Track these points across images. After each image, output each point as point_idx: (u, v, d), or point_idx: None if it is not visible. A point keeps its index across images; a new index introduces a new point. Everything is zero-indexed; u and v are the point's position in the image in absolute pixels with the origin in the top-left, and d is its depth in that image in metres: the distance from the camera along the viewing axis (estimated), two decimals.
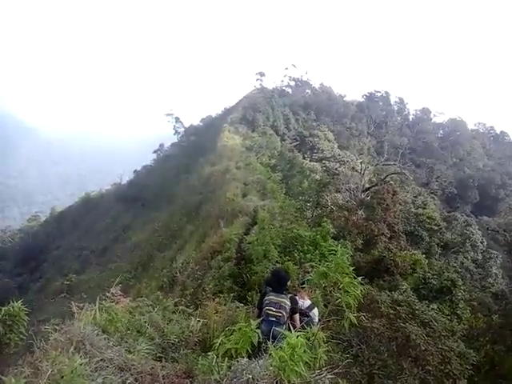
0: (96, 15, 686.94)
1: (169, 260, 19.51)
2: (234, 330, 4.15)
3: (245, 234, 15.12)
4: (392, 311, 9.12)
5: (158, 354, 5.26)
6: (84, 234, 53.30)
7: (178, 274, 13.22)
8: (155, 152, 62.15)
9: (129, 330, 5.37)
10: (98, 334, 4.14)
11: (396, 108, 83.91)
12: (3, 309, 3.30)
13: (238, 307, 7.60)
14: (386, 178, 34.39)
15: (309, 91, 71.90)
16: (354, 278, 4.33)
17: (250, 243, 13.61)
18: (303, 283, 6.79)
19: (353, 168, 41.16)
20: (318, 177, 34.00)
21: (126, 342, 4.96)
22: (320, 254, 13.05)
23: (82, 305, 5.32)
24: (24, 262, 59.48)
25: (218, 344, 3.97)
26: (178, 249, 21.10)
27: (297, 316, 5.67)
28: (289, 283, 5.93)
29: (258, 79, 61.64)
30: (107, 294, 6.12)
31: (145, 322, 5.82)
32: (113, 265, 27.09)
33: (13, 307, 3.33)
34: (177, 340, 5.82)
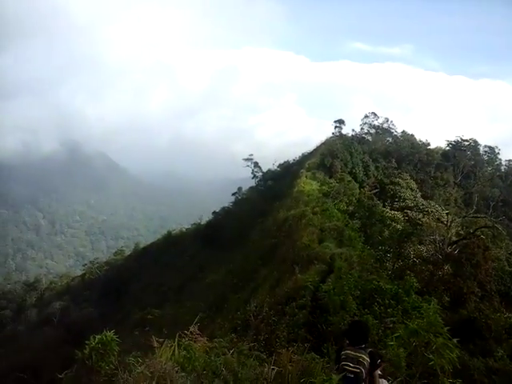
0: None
1: (242, 302, 19.44)
2: (312, 382, 4.00)
3: (321, 282, 14.77)
4: (486, 380, 8.18)
5: None
6: (163, 270, 55.52)
7: (252, 317, 13.09)
8: (233, 195, 64.05)
9: (205, 370, 5.38)
10: (177, 371, 4.20)
11: (486, 158, 78.93)
12: (97, 337, 3.51)
13: (314, 359, 7.31)
14: (475, 231, 31.92)
15: (390, 139, 70.51)
16: (449, 339, 3.95)
17: (326, 292, 13.24)
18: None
19: (438, 219, 38.79)
20: (399, 226, 32.57)
21: (202, 382, 4.97)
22: (402, 310, 12.27)
23: (161, 340, 5.46)
24: (107, 293, 63.06)
25: None
26: (252, 291, 21.02)
27: (377, 373, 5.30)
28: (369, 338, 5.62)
29: (336, 127, 62.04)
30: (186, 331, 6.21)
31: (220, 363, 5.80)
32: (188, 302, 27.64)
33: (105, 336, 3.52)
34: None
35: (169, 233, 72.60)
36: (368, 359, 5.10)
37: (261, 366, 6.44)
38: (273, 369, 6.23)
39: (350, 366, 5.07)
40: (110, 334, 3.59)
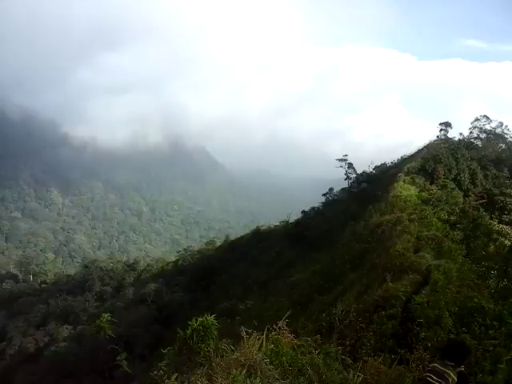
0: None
1: (327, 305, 19.14)
2: None
3: (414, 293, 13.98)
4: None
5: None
6: (250, 264, 56.86)
7: (337, 321, 12.85)
8: (324, 195, 63.23)
9: (291, 366, 5.40)
10: (266, 364, 4.28)
11: None
12: (199, 320, 3.72)
13: (402, 373, 6.98)
14: None
15: (503, 145, 64.03)
16: None
17: (419, 304, 12.52)
18: None
19: None
20: (507, 242, 29.54)
21: (287, 378, 4.99)
22: (506, 333, 11.13)
23: (249, 331, 5.58)
24: (197, 281, 66.36)
25: None
26: (338, 295, 20.59)
27: None
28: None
29: (442, 129, 58.00)
30: (274, 326, 6.27)
31: (306, 362, 5.77)
32: (272, 298, 27.93)
33: (206, 320, 3.72)
34: None
35: (257, 228, 74.14)
36: (455, 378, 4.88)
37: (346, 370, 6.31)
38: (359, 375, 6.08)
39: (433, 379, 4.88)
40: (211, 318, 3.77)
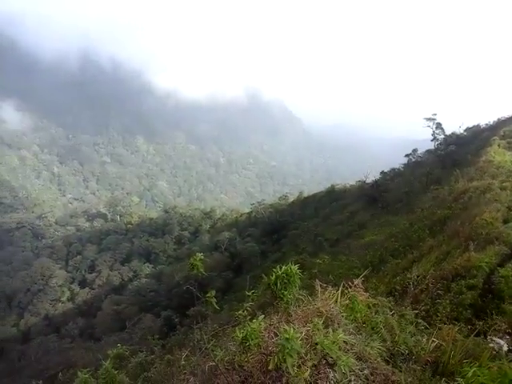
0: None
1: (402, 269, 18.70)
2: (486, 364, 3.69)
3: (498, 266, 13.12)
4: None
5: (386, 358, 5.14)
6: (322, 221, 56.86)
7: (411, 286, 12.54)
8: (407, 156, 60.20)
9: (365, 323, 5.41)
10: (342, 317, 4.34)
11: None
12: (283, 267, 3.83)
13: (479, 344, 6.70)
14: None
15: None
16: None
17: (503, 277, 11.74)
18: None
19: None
20: None
21: (361, 334, 5.01)
22: None
23: (324, 285, 5.64)
24: (269, 234, 68.04)
25: (470, 374, 3.60)
26: (414, 260, 19.97)
27: None
28: None
29: None
30: (350, 283, 6.26)
31: (380, 321, 5.75)
32: (343, 257, 27.87)
33: (290, 268, 3.82)
34: (407, 352, 5.57)
35: (332, 187, 73.21)
36: None
37: (420, 335, 6.21)
38: (433, 341, 5.95)
39: None
40: (295, 267, 3.86)
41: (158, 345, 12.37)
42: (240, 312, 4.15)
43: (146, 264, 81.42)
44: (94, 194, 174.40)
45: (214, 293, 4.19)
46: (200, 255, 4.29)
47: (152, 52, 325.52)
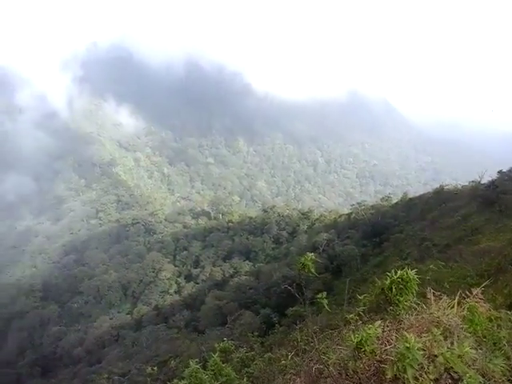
0: None
1: None
2: None
3: None
4: None
5: (510, 378, 4.57)
6: (429, 224, 53.19)
7: None
8: None
9: (485, 338, 4.89)
10: (461, 329, 3.96)
11: None
12: (399, 272, 3.61)
13: None
14: None
15: None
16: None
17: None
18: None
19: None
20: None
21: (481, 349, 4.53)
22: None
23: (437, 293, 5.21)
24: (369, 236, 65.60)
25: None
26: None
27: None
28: None
29: None
30: (467, 293, 5.72)
31: (504, 337, 5.14)
32: (454, 264, 25.71)
33: (406, 273, 3.58)
34: None
35: (441, 187, 68.15)
36: None
37: None
38: None
39: None
40: (412, 272, 3.61)
41: (257, 342, 12.60)
42: (351, 316, 4.00)
43: (245, 261, 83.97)
44: (199, 193, 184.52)
45: (325, 294, 4.11)
46: (311, 255, 4.24)
47: (252, 53, 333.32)
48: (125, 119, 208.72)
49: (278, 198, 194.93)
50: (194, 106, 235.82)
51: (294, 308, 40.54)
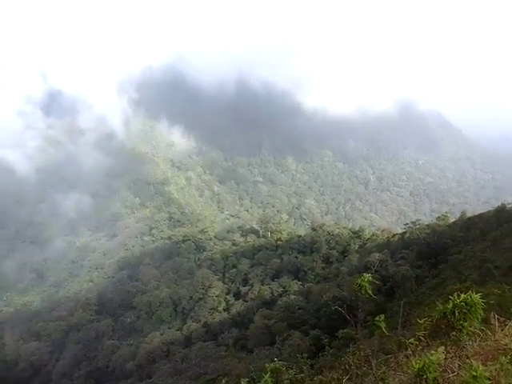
0: None
1: None
2: None
3: None
4: None
5: None
6: (490, 245, 50.06)
7: None
8: None
9: None
10: None
11: None
12: (462, 296, 3.32)
13: None
14: None
15: None
16: None
17: None
18: None
19: None
20: None
21: None
22: None
23: (502, 319, 4.77)
24: (425, 257, 62.66)
25: None
26: None
27: None
28: None
29: None
30: None
31: None
32: None
33: (471, 297, 3.28)
34: None
35: (503, 206, 64.25)
36: None
37: None
38: None
39: None
40: (476, 296, 3.30)
41: (306, 364, 12.25)
42: (411, 340, 3.71)
43: (294, 281, 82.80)
44: (247, 211, 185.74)
45: (383, 317, 3.85)
46: (368, 276, 4.01)
47: (302, 72, 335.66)
48: (177, 139, 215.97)
49: (328, 216, 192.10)
50: (244, 125, 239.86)
51: (344, 330, 39.29)
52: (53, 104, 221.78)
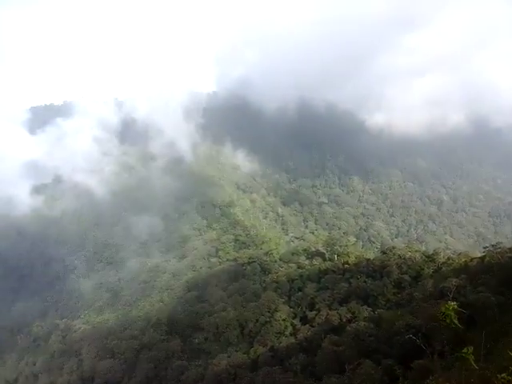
0: None
1: None
2: None
3: None
4: None
5: None
6: None
7: None
8: None
9: None
10: None
11: None
12: None
13: None
14: None
15: None
16: None
17: None
18: None
19: None
20: None
21: None
22: None
23: None
24: (508, 283, 57.51)
25: None
26: None
27: None
28: None
29: None
30: None
31: None
32: None
33: None
34: None
35: None
36: None
37: None
38: None
39: None
40: None
41: None
42: (503, 375, 3.19)
43: (363, 306, 79.51)
44: (312, 233, 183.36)
45: (471, 349, 3.34)
46: (453, 304, 3.53)
47: (365, 90, 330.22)
48: (242, 162, 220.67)
49: (398, 238, 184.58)
50: (307, 146, 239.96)
51: (420, 361, 36.76)
52: (127, 131, 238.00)
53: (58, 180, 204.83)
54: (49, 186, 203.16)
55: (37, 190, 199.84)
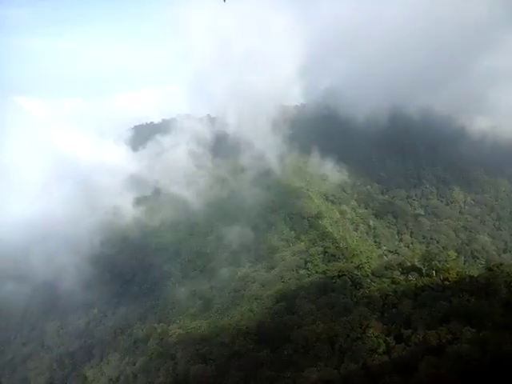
0: None
1: None
2: None
3: None
4: None
5: None
6: None
7: None
8: None
9: None
10: None
11: None
12: None
13: None
14: None
15: None
16: None
17: None
18: None
19: None
20: None
21: None
22: None
23: None
24: None
25: None
26: None
27: None
28: None
29: None
30: None
31: None
32: None
33: None
34: None
35: None
36: None
37: None
38: None
39: None
40: None
41: None
42: None
43: (466, 327, 72.64)
44: (407, 246, 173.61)
45: None
46: None
47: (464, 93, 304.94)
48: (330, 173, 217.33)
49: (507, 254, 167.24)
50: (400, 155, 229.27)
51: None
52: (219, 146, 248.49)
53: (157, 192, 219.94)
54: (149, 198, 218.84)
55: (138, 201, 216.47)
